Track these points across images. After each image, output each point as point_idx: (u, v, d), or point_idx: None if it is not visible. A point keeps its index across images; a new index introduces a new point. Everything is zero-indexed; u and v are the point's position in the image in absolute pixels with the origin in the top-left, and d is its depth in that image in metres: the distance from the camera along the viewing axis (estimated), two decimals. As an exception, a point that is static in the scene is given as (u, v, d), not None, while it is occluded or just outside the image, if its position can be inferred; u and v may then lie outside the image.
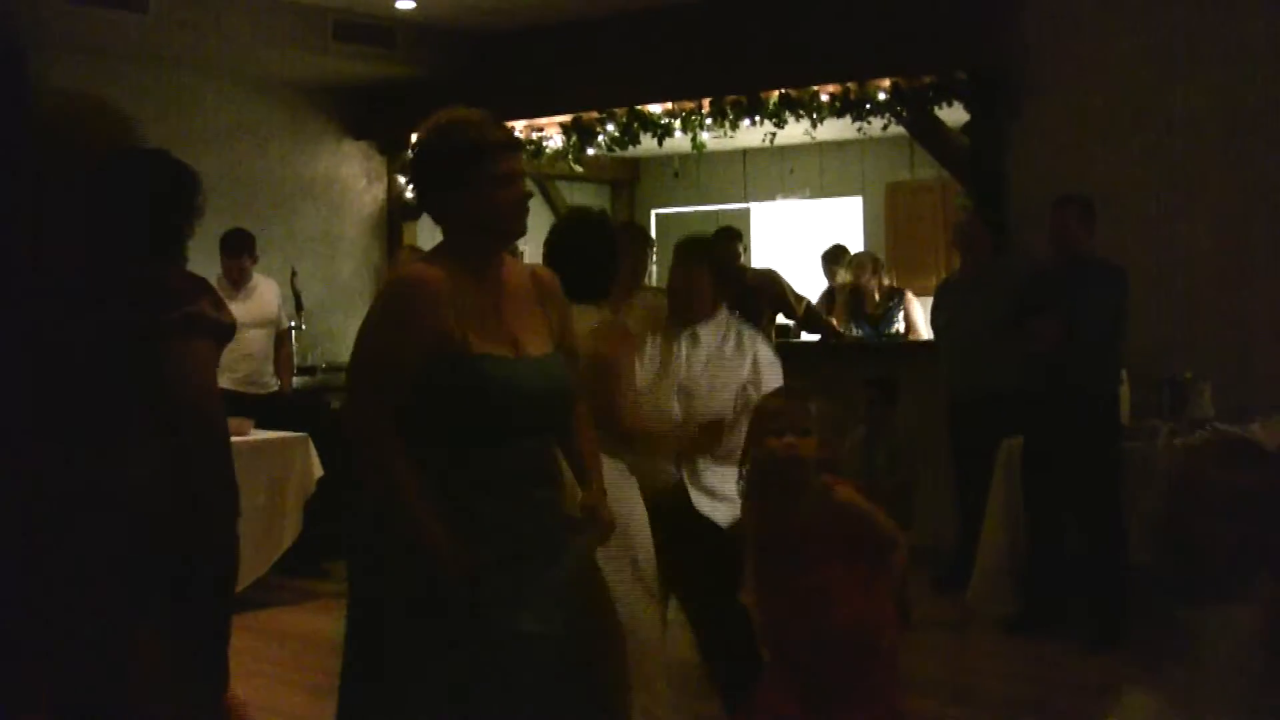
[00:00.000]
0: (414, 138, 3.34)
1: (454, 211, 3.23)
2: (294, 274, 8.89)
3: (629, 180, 13.55)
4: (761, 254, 12.64)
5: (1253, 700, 2.81)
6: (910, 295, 9.52)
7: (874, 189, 12.27)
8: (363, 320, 3.23)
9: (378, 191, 10.49)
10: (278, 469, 7.43)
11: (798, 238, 12.68)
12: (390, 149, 10.53)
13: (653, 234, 13.22)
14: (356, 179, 10.40)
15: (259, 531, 7.31)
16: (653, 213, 13.28)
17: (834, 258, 9.76)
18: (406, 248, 8.34)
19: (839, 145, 12.04)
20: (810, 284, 10.47)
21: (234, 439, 7.11)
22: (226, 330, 3.39)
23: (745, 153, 12.43)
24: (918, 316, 9.26)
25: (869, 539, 3.69)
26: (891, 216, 12.01)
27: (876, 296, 9.17)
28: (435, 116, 3.27)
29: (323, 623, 6.98)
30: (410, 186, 3.38)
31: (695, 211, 12.57)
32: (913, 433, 7.11)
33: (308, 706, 5.61)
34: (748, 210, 12.86)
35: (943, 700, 5.56)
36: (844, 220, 12.29)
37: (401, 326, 3.14)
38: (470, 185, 3.16)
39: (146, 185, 3.25)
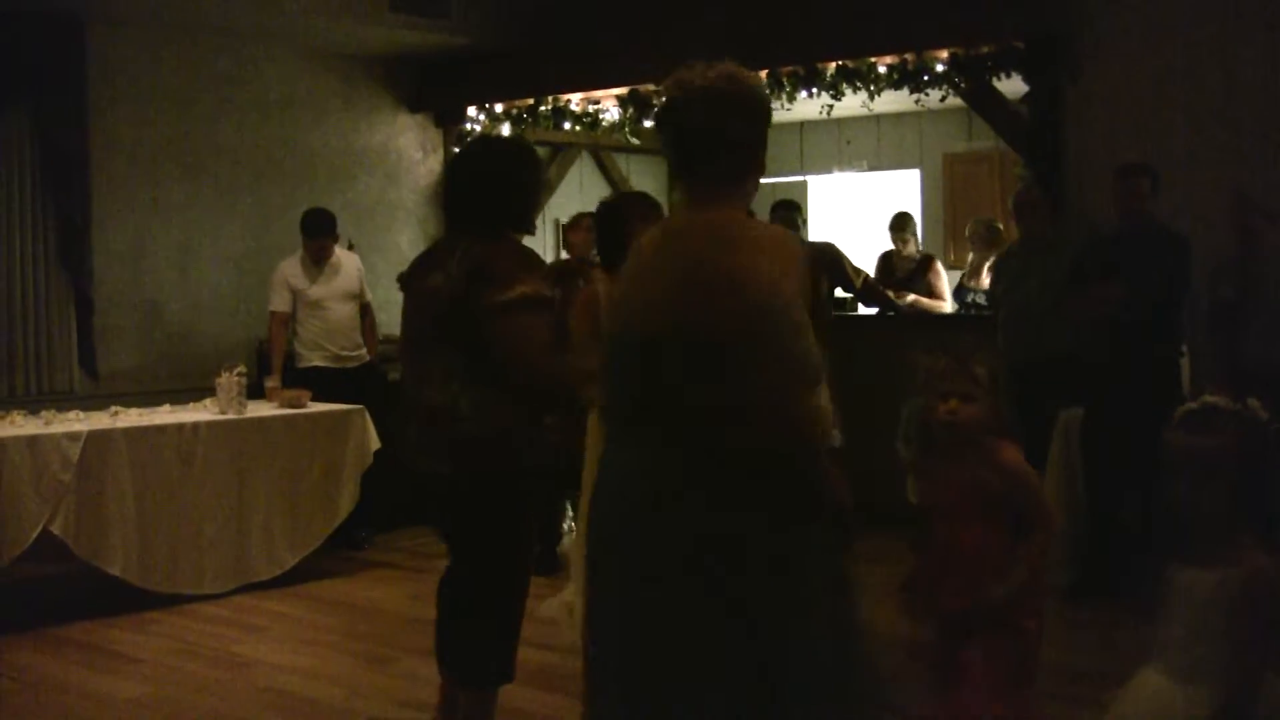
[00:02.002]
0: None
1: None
2: (350, 245, 8.92)
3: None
4: (819, 226, 12.57)
5: (1219, 662, 2.86)
6: (937, 263, 9.51)
7: (931, 160, 12.18)
8: (768, 288, 2.84)
9: (434, 163, 10.48)
10: (335, 440, 7.47)
11: (855, 210, 12.61)
12: (446, 121, 10.51)
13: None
14: (413, 150, 10.40)
15: (316, 502, 7.37)
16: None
17: (899, 225, 9.79)
18: (585, 214, 8.24)
19: (896, 117, 11.95)
20: (868, 257, 10.43)
21: (291, 411, 7.35)
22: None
23: (802, 125, 12.37)
24: (943, 285, 9.25)
25: (1026, 507, 3.64)
26: (949, 188, 11.92)
27: (906, 258, 9.32)
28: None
29: (377, 593, 7.04)
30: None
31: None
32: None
33: (360, 674, 5.66)
34: (805, 183, 12.79)
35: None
36: (902, 192, 12.19)
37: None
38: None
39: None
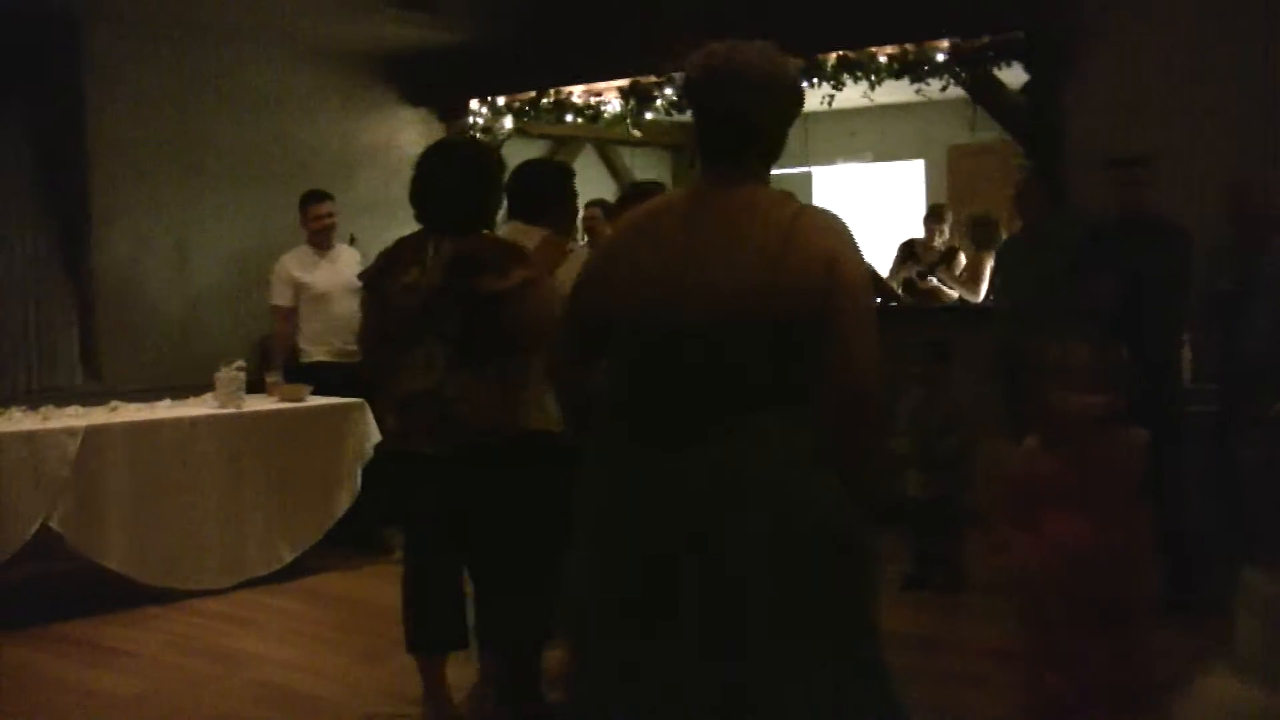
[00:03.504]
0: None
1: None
2: (352, 239, 8.90)
3: (692, 145, 13.41)
4: (823, 218, 12.53)
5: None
6: (961, 255, 9.49)
7: (936, 152, 12.14)
8: (860, 265, 2.88)
9: (436, 158, 10.45)
10: (333, 435, 7.46)
11: (860, 201, 12.58)
12: (449, 115, 10.48)
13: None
14: (414, 146, 10.33)
15: (314, 496, 7.37)
16: (714, 177, 13.19)
17: (936, 215, 9.76)
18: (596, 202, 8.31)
19: (901, 108, 11.90)
20: (874, 249, 10.41)
21: (289, 405, 7.33)
22: None
23: (806, 116, 12.29)
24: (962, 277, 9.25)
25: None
26: (953, 179, 11.89)
27: (930, 248, 9.30)
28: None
29: (374, 588, 7.02)
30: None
31: (756, 176, 12.43)
32: (969, 395, 7.01)
33: (356, 669, 5.65)
34: (809, 174, 12.76)
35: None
36: (906, 184, 12.16)
37: None
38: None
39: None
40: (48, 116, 8.23)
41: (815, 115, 11.99)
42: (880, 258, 10.08)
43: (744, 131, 2.97)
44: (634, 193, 5.33)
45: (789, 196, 2.97)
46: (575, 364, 3.11)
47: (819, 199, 12.70)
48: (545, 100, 10.03)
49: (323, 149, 9.74)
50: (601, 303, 3.00)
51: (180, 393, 7.67)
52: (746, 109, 2.95)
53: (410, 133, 10.35)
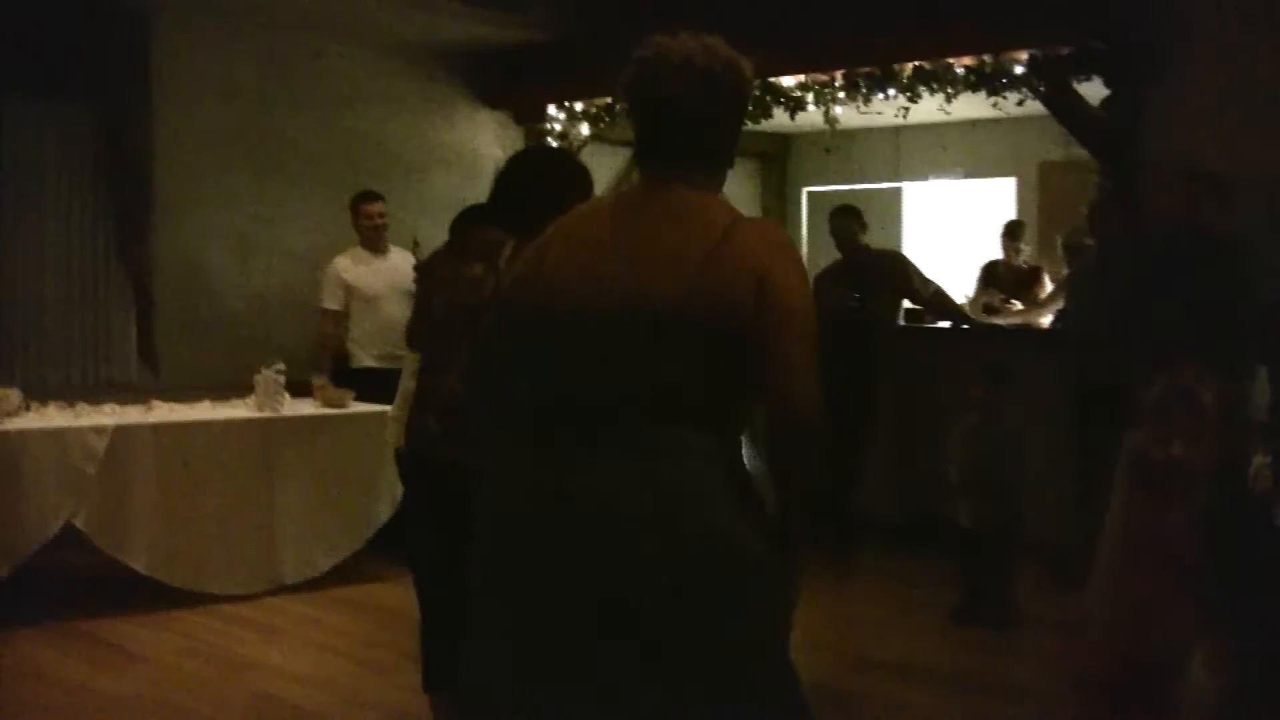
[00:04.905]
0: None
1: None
2: (415, 244, 8.76)
3: (780, 156, 13.20)
4: (914, 234, 12.26)
5: None
6: (1046, 276, 9.16)
7: (1027, 168, 11.78)
8: (797, 278, 2.65)
9: (513, 162, 10.33)
10: (376, 441, 7.30)
11: (951, 218, 12.26)
12: (526, 119, 10.36)
13: (803, 212, 12.96)
14: (491, 148, 10.25)
15: (354, 504, 7.23)
16: (804, 190, 12.94)
17: (1013, 233, 9.48)
18: None
19: (993, 123, 11.50)
20: (962, 266, 10.13)
21: (330, 411, 7.21)
22: None
23: (898, 130, 12.02)
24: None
25: None
26: (1045, 197, 11.51)
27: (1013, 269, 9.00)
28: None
29: (408, 598, 6.80)
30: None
31: (846, 190, 12.18)
32: (1029, 423, 6.70)
33: (361, 682, 5.51)
34: (899, 189, 12.46)
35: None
36: (998, 200, 11.81)
37: None
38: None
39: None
40: (114, 111, 8.21)
41: (906, 129, 11.76)
42: (966, 278, 9.81)
43: (679, 127, 2.73)
44: None
45: (726, 205, 2.75)
46: (499, 372, 2.89)
47: (908, 216, 12.42)
48: (621, 106, 9.82)
49: (398, 148, 9.65)
50: (527, 309, 2.78)
51: (238, 391, 7.55)
52: (681, 102, 2.71)
53: (487, 135, 10.24)
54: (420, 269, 4.64)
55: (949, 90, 8.16)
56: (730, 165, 2.84)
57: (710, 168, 2.78)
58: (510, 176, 4.43)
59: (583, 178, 4.28)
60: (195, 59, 8.57)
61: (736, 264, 2.58)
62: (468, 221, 4.82)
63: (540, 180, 4.25)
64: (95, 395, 7.29)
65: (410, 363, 4.77)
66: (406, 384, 4.73)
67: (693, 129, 2.73)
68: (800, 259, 2.69)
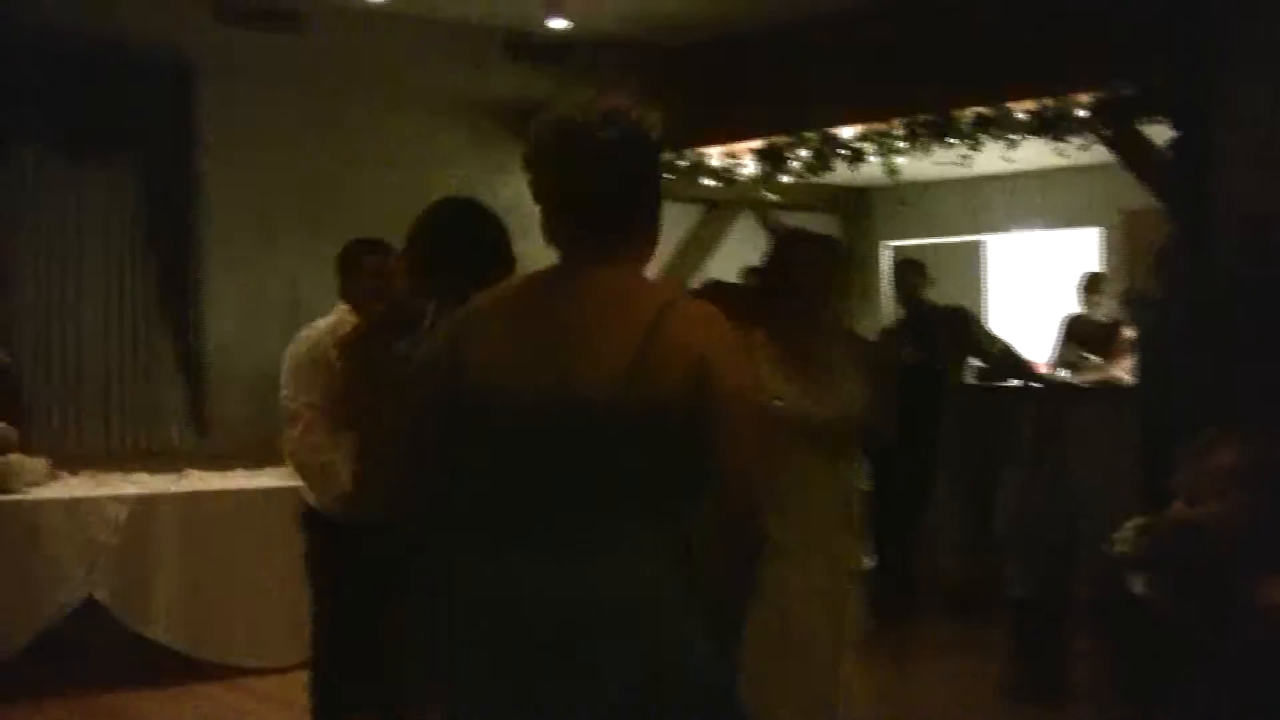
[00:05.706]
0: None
1: None
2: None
3: (861, 211, 12.87)
4: (997, 288, 11.91)
5: None
6: (1126, 331, 8.77)
7: (1111, 217, 11.35)
8: (740, 369, 2.47)
9: (567, 220, 10.17)
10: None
11: (1035, 270, 11.87)
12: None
13: (885, 266, 12.62)
14: (545, 206, 10.09)
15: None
16: (883, 244, 12.60)
17: (1092, 286, 9.16)
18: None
19: (1076, 171, 11.11)
20: (1046, 321, 9.79)
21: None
22: None
23: (977, 180, 11.67)
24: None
25: None
26: (1131, 247, 11.07)
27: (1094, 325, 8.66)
28: None
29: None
30: None
31: (926, 244, 11.84)
32: (1085, 479, 6.36)
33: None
34: (980, 242, 12.10)
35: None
36: (1082, 251, 11.40)
37: None
38: None
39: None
40: (158, 168, 8.14)
41: (987, 180, 11.42)
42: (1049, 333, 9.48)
43: (584, 206, 2.51)
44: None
45: (654, 286, 2.57)
46: (414, 460, 2.65)
47: (992, 269, 12.07)
48: (681, 162, 9.62)
49: (450, 203, 9.51)
50: (447, 393, 2.54)
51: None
52: (583, 180, 2.49)
53: (540, 192, 10.07)
54: (345, 347, 4.39)
55: (1010, 137, 7.85)
56: (654, 237, 2.60)
57: (627, 242, 2.54)
58: (448, 230, 4.24)
59: (506, 243, 4.13)
60: (241, 116, 8.47)
61: (669, 355, 2.36)
62: (361, 252, 4.94)
63: (478, 241, 4.13)
64: (138, 462, 7.18)
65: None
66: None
67: (600, 206, 2.50)
68: (740, 343, 2.48)
